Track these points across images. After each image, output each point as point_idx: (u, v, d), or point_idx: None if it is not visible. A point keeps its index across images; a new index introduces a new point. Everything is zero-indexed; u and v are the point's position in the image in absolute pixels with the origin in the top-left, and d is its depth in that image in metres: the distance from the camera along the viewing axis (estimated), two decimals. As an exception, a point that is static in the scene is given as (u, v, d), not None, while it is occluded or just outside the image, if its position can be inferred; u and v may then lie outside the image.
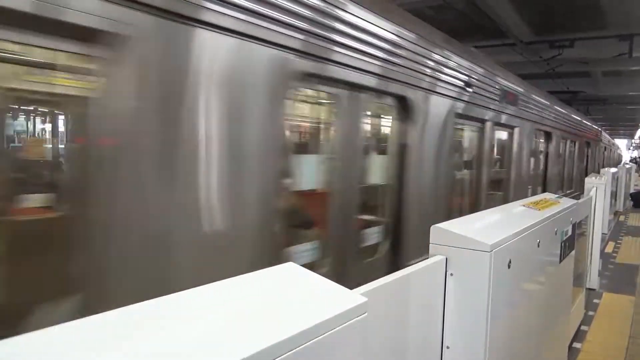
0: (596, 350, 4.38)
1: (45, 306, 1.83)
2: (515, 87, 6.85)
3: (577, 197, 6.03)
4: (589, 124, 14.81)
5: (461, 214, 4.58)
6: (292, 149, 3.01)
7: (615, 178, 10.76)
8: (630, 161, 35.05)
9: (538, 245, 2.49)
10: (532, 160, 8.10)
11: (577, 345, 4.44)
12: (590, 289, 5.96)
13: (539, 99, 8.30)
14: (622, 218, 12.70)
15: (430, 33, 4.35)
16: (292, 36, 2.59)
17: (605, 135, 21.32)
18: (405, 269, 1.64)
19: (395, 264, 3.74)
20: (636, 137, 50.61)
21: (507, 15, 10.46)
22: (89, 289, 1.84)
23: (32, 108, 2.49)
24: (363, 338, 1.11)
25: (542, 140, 9.06)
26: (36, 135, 2.47)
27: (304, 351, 0.91)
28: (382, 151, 4.02)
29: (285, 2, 2.52)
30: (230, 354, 0.78)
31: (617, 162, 28.70)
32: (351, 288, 1.22)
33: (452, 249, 1.83)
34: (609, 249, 8.76)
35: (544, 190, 8.58)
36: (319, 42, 2.81)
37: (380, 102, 3.77)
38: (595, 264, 6.15)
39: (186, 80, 2.07)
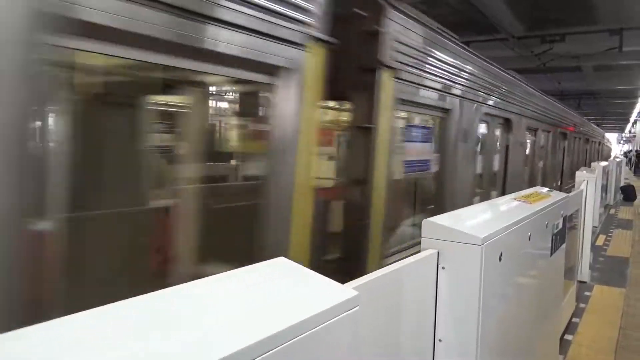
0: (587, 342, 4.42)
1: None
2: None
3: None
4: (555, 103, 10.78)
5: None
6: None
7: (605, 172, 10.84)
8: (624, 156, 35.05)
9: (529, 239, 2.50)
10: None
11: (568, 337, 4.48)
12: (581, 282, 6.02)
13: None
14: (612, 211, 12.81)
15: None
16: None
17: (590, 125, 18.93)
18: (397, 262, 1.64)
19: None
20: (626, 130, 51.00)
21: (499, 10, 10.49)
22: None
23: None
24: (355, 332, 1.11)
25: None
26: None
27: (294, 345, 0.91)
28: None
29: None
30: (217, 349, 0.78)
31: (606, 155, 28.74)
32: None
33: (444, 242, 1.84)
34: (600, 242, 8.83)
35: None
36: None
37: None
38: (586, 256, 6.21)
39: None
